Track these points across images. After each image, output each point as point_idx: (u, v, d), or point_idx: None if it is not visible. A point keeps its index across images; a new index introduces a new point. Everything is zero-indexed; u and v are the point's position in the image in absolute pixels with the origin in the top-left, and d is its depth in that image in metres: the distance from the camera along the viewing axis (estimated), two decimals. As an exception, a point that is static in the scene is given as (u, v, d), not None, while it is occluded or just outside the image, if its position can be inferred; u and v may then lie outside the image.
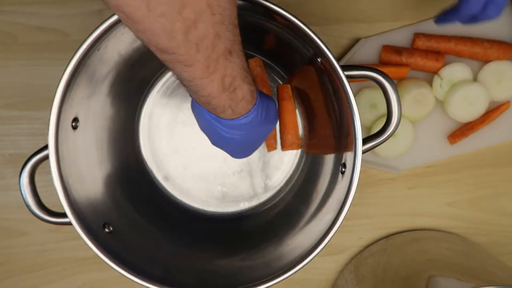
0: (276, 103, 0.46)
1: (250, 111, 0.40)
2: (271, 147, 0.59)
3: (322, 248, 0.44)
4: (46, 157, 0.44)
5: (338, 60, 0.43)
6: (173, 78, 0.58)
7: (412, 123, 0.59)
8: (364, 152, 0.44)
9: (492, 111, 0.60)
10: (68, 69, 0.42)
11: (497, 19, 0.48)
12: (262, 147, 0.59)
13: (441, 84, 0.59)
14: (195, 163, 0.59)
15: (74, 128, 0.46)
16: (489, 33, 0.60)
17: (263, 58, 0.58)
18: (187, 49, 0.32)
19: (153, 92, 0.58)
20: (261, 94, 0.43)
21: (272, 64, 0.59)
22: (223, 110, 0.39)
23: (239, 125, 0.41)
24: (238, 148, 0.46)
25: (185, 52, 0.32)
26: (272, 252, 0.51)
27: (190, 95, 0.39)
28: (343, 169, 0.47)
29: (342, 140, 0.48)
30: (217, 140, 0.45)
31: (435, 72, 0.59)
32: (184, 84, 0.36)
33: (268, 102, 0.44)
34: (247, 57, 0.58)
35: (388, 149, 0.59)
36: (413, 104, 0.58)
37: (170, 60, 0.33)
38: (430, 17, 0.61)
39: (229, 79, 0.36)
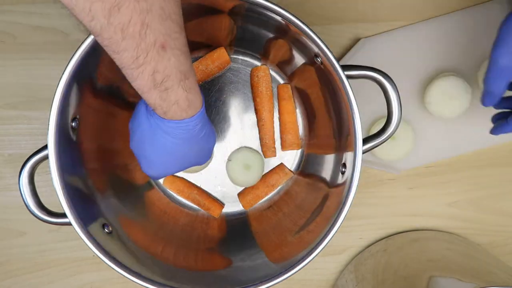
0: (215, 140, 0.47)
1: (183, 120, 0.39)
2: (270, 154, 0.59)
3: (322, 248, 0.44)
4: (46, 157, 0.43)
5: (338, 60, 0.43)
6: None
7: (411, 128, 0.59)
8: (364, 152, 0.44)
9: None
10: (68, 69, 0.42)
11: None
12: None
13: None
14: (195, 163, 0.59)
15: (74, 128, 0.45)
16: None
17: (264, 63, 0.58)
18: (111, 33, 0.32)
19: (153, 92, 0.58)
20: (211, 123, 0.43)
21: (273, 64, 0.59)
22: (155, 107, 0.38)
23: (169, 128, 0.40)
24: (159, 159, 0.44)
25: (110, 36, 0.32)
26: (272, 253, 0.51)
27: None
28: (343, 169, 0.47)
29: (342, 140, 0.48)
30: (141, 143, 0.43)
31: None
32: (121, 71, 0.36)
33: (208, 130, 0.43)
34: (251, 64, 0.58)
35: (388, 153, 0.59)
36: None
37: (101, 42, 0.33)
38: (430, 17, 0.61)
39: (161, 76, 0.35)
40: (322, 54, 0.44)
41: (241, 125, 0.59)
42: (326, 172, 0.52)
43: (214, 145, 0.47)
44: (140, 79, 0.35)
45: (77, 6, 0.30)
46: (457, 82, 0.57)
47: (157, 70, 0.34)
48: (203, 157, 0.47)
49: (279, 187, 0.60)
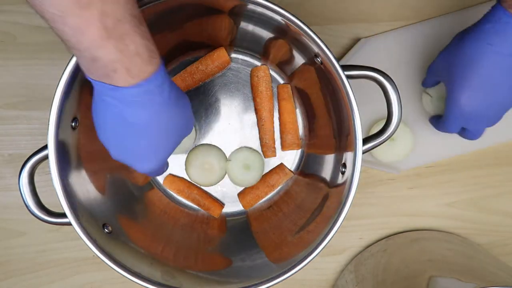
0: (190, 103, 0.42)
1: (151, 75, 0.34)
2: (270, 154, 0.59)
3: (322, 248, 0.44)
4: (46, 157, 0.43)
5: (338, 60, 0.43)
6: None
7: (410, 129, 0.59)
8: (364, 152, 0.44)
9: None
10: (68, 69, 0.42)
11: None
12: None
13: (431, 100, 0.59)
14: (195, 163, 0.59)
15: (74, 128, 0.45)
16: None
17: (264, 63, 0.58)
18: None
19: (153, 92, 0.58)
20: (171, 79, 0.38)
21: (273, 64, 0.59)
22: (114, 68, 0.33)
23: (140, 94, 0.35)
24: (145, 142, 0.38)
25: None
26: (272, 253, 0.51)
27: (83, 70, 0.35)
28: (343, 169, 0.47)
29: (342, 140, 0.48)
30: (118, 132, 0.38)
31: None
32: (64, 38, 0.32)
33: (176, 89, 0.38)
34: (251, 64, 0.58)
35: (387, 155, 0.59)
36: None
37: None
38: (430, 17, 0.61)
39: (111, 20, 0.31)
40: (322, 54, 0.44)
41: (241, 125, 0.59)
42: (326, 172, 0.52)
43: (190, 110, 0.42)
44: (88, 29, 0.31)
45: None
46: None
47: (106, 12, 0.31)
48: (187, 126, 0.42)
49: (279, 187, 0.60)
